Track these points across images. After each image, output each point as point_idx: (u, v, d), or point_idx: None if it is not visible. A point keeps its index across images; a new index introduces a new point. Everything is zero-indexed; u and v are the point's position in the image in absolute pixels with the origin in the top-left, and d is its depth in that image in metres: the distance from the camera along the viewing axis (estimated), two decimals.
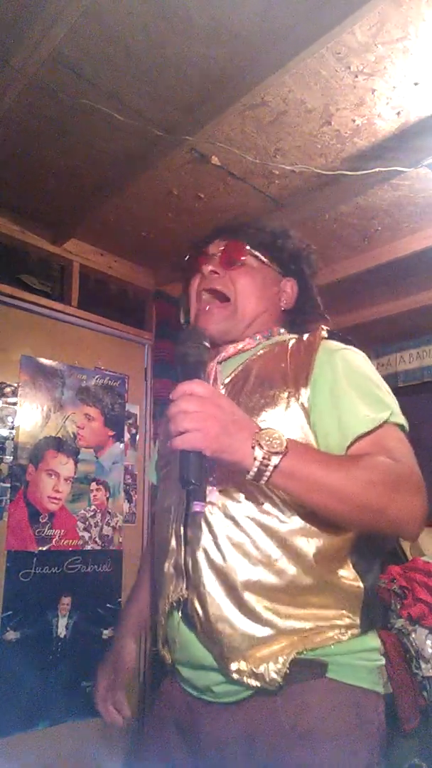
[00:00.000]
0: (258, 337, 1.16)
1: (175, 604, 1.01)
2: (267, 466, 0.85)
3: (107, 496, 2.63)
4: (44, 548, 2.36)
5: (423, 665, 2.14)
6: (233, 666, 0.93)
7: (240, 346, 1.15)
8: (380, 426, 0.96)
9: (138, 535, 2.71)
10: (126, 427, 2.78)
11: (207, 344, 0.99)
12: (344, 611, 0.96)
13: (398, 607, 2.27)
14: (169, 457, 1.13)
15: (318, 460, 0.91)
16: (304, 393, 0.99)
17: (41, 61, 1.66)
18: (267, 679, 0.91)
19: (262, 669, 0.91)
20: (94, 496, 2.58)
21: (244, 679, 0.92)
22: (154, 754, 1.06)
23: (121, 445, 2.74)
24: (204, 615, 0.96)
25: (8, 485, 2.32)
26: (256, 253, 1.19)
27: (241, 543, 0.96)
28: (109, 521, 2.61)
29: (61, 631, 2.36)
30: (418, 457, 0.96)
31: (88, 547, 2.51)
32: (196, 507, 0.92)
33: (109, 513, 2.62)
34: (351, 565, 0.98)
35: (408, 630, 2.20)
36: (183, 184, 2.28)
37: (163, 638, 1.06)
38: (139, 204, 2.42)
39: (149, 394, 2.90)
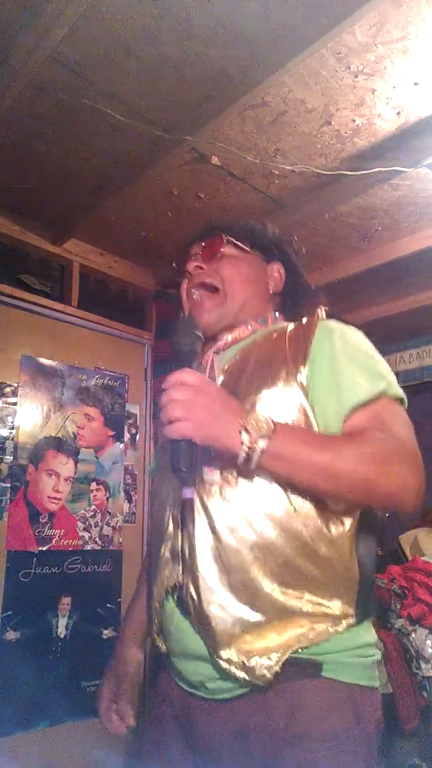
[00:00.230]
0: (252, 324, 1.17)
1: (170, 590, 1.01)
2: (254, 450, 0.87)
3: (107, 496, 2.63)
4: (44, 548, 2.36)
5: (423, 665, 2.14)
6: (224, 654, 0.92)
7: (236, 334, 1.16)
8: (377, 398, 0.97)
9: (138, 535, 2.71)
10: (126, 427, 2.78)
11: (199, 334, 1.01)
12: (339, 599, 0.95)
13: (398, 607, 2.27)
14: (167, 445, 1.13)
15: (306, 440, 0.92)
16: (303, 371, 0.99)
17: (41, 61, 1.67)
18: (257, 674, 0.90)
19: (253, 663, 0.90)
20: (94, 496, 2.58)
21: (233, 669, 0.91)
22: (154, 749, 1.06)
23: (121, 445, 2.74)
24: (198, 599, 0.95)
25: (8, 485, 2.32)
26: (237, 243, 1.23)
27: (237, 526, 0.95)
28: (109, 521, 2.61)
29: (61, 631, 2.36)
30: (420, 457, 0.95)
31: (88, 547, 2.51)
32: (186, 493, 0.92)
33: (109, 513, 2.62)
34: (349, 551, 0.97)
35: (408, 630, 2.20)
36: (183, 184, 2.28)
37: (158, 626, 1.05)
38: (139, 204, 2.42)
39: (149, 394, 2.90)
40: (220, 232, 1.24)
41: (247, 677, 0.90)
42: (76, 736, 2.26)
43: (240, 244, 1.23)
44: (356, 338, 1.06)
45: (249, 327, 1.17)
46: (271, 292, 1.23)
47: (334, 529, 0.96)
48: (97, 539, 2.55)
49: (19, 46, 1.64)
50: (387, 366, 1.04)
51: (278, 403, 0.98)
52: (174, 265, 1.28)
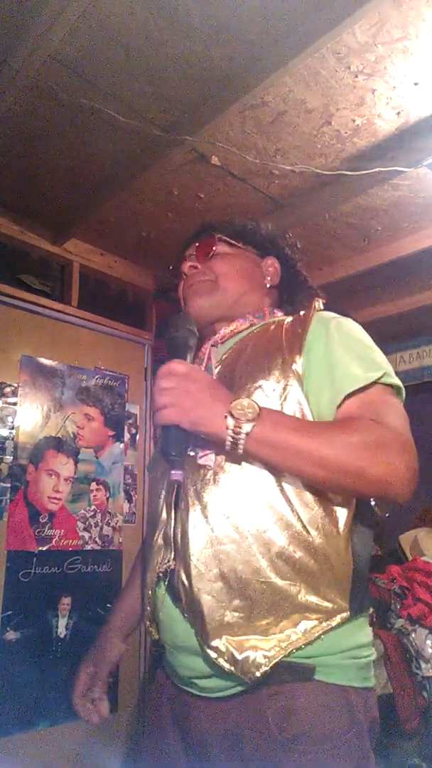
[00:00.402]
0: (250, 318, 1.18)
1: (161, 576, 1.00)
2: (239, 434, 0.88)
3: (107, 496, 2.63)
4: (44, 548, 2.36)
5: (423, 665, 2.14)
6: (213, 643, 0.90)
7: (233, 327, 1.17)
8: (371, 386, 0.96)
9: (138, 535, 2.71)
10: (126, 427, 2.78)
11: (193, 329, 1.03)
12: (333, 591, 0.93)
13: (398, 607, 2.27)
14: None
15: (294, 426, 0.92)
16: (299, 361, 1.00)
17: (41, 61, 1.67)
18: (245, 669, 0.88)
19: (242, 657, 0.89)
20: (94, 496, 2.58)
21: (221, 660, 0.89)
22: (152, 745, 1.05)
23: (121, 445, 2.74)
24: (188, 586, 0.94)
25: (8, 485, 2.32)
26: (229, 241, 1.24)
27: (230, 513, 0.95)
28: (109, 521, 2.61)
29: (61, 631, 2.36)
30: (419, 457, 0.94)
31: (88, 547, 2.51)
32: (174, 475, 0.93)
33: (109, 513, 2.62)
34: (344, 543, 0.95)
35: (408, 630, 2.20)
36: (183, 184, 2.28)
37: (150, 613, 1.05)
38: (139, 204, 2.42)
39: (149, 394, 2.90)
40: (212, 231, 1.25)
41: (234, 670, 0.89)
42: (76, 736, 2.26)
43: (232, 241, 1.24)
44: (352, 328, 1.06)
45: (246, 320, 1.18)
46: (268, 285, 1.24)
47: (329, 520, 0.95)
48: (97, 539, 2.55)
49: (19, 46, 1.64)
50: (383, 356, 1.03)
51: (274, 392, 0.98)
52: (171, 267, 1.29)
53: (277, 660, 0.89)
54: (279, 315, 1.20)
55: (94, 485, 2.59)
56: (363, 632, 0.99)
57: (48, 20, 1.53)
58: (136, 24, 1.57)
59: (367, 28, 1.56)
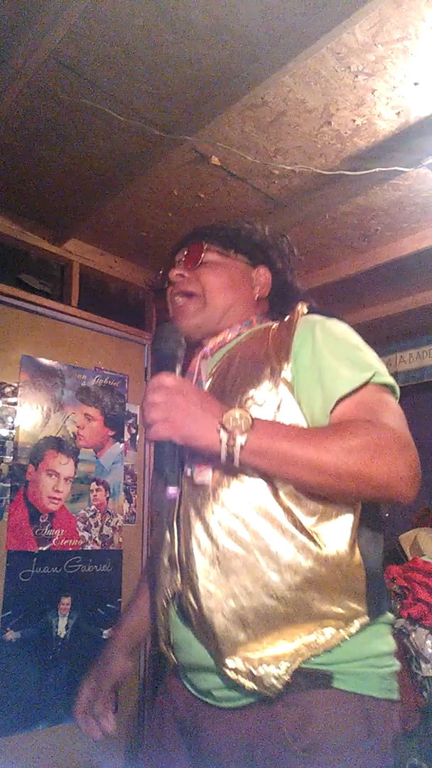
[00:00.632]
0: (238, 327, 1.16)
1: (170, 599, 0.99)
2: (233, 446, 0.86)
3: (107, 496, 2.63)
4: (44, 548, 2.36)
5: (423, 665, 2.14)
6: (230, 663, 0.89)
7: (220, 339, 1.15)
8: (363, 387, 0.94)
9: (138, 535, 2.71)
10: (126, 427, 2.78)
11: (181, 340, 1.01)
12: (347, 597, 0.91)
13: (398, 607, 2.27)
14: None
15: (287, 434, 0.90)
16: (287, 367, 0.98)
17: (41, 61, 1.67)
18: (266, 684, 0.87)
19: (261, 671, 0.88)
20: (94, 496, 2.58)
21: (241, 679, 0.88)
22: (153, 751, 1.04)
23: (121, 445, 2.74)
24: (198, 607, 0.93)
25: (8, 485, 2.32)
26: (219, 249, 1.21)
27: (234, 528, 0.93)
28: (109, 521, 2.61)
29: (61, 631, 2.36)
30: (419, 457, 0.92)
31: (88, 547, 2.51)
32: (170, 492, 0.91)
33: (109, 513, 2.62)
34: (352, 546, 0.93)
35: (408, 630, 2.20)
36: (183, 184, 2.28)
37: (165, 638, 1.03)
38: (139, 204, 2.42)
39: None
40: (202, 238, 1.22)
41: (255, 687, 0.88)
42: (76, 736, 2.25)
43: (222, 249, 1.21)
44: (339, 329, 1.04)
45: (234, 330, 1.16)
46: (256, 297, 1.21)
47: (334, 525, 0.93)
48: (97, 539, 2.55)
49: (19, 47, 1.64)
50: (373, 354, 1.02)
51: (265, 402, 0.97)
52: (160, 272, 1.26)
53: (295, 667, 0.88)
54: (266, 321, 1.18)
55: (94, 485, 2.59)
56: (384, 641, 0.97)
57: (48, 20, 1.53)
58: (136, 24, 1.57)
59: (367, 28, 1.56)
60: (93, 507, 2.56)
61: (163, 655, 1.05)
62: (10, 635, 2.21)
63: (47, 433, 2.47)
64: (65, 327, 2.64)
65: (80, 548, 2.48)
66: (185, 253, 1.23)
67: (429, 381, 3.27)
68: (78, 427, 2.58)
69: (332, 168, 2.11)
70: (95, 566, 2.51)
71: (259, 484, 0.94)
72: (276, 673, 0.87)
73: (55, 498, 2.44)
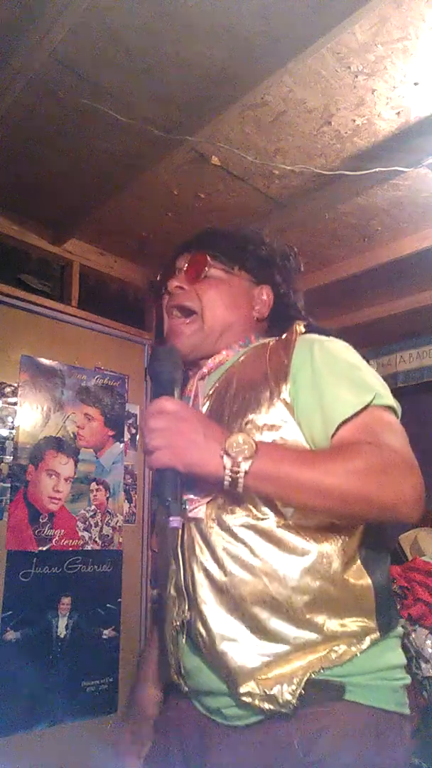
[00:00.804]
0: (235, 346, 1.13)
1: (180, 628, 0.97)
2: (238, 473, 0.84)
3: (107, 496, 2.63)
4: (44, 548, 2.36)
5: (423, 665, 2.14)
6: (243, 689, 0.88)
7: (218, 359, 1.12)
8: (364, 409, 0.92)
9: (138, 535, 2.71)
10: (126, 427, 2.78)
11: (178, 360, 0.99)
12: (357, 614, 0.91)
13: (398, 607, 2.27)
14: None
15: (292, 458, 0.89)
16: (285, 389, 0.96)
17: (41, 61, 1.67)
18: (281, 701, 0.86)
19: (275, 691, 0.86)
20: (94, 496, 2.58)
21: (256, 702, 0.87)
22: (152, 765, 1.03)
23: (121, 445, 2.74)
24: (207, 636, 0.92)
25: (8, 485, 2.32)
26: (222, 264, 1.16)
27: (239, 554, 0.92)
28: (109, 521, 2.61)
29: (61, 631, 2.36)
30: (419, 458, 0.92)
31: (88, 547, 2.50)
32: (173, 522, 0.90)
33: (109, 513, 2.62)
34: (359, 563, 0.93)
35: (408, 630, 2.20)
36: (183, 184, 2.28)
37: (176, 668, 1.00)
38: (139, 204, 2.42)
39: (149, 394, 2.90)
40: (206, 249, 1.17)
41: (272, 707, 0.87)
42: (76, 736, 2.26)
43: (226, 265, 1.16)
44: (338, 349, 1.02)
45: (231, 350, 1.12)
46: (255, 318, 1.17)
47: (340, 545, 0.93)
48: (97, 539, 2.54)
49: (19, 46, 1.64)
50: (374, 374, 1.00)
51: (265, 423, 0.95)
52: (157, 278, 1.22)
53: (307, 677, 0.87)
54: (264, 340, 1.14)
55: (94, 485, 2.59)
56: (395, 653, 0.96)
57: (48, 20, 1.53)
58: (137, 24, 1.57)
59: (367, 28, 1.56)
60: (93, 507, 2.56)
61: (173, 683, 1.03)
62: (10, 635, 2.21)
63: (47, 433, 2.47)
64: (65, 327, 2.64)
65: (80, 548, 2.47)
66: (187, 261, 1.17)
67: (429, 381, 3.27)
68: (78, 427, 2.58)
69: (332, 168, 2.11)
70: (95, 566, 2.51)
71: (263, 507, 0.93)
72: (290, 688, 0.86)
73: (55, 498, 2.44)
